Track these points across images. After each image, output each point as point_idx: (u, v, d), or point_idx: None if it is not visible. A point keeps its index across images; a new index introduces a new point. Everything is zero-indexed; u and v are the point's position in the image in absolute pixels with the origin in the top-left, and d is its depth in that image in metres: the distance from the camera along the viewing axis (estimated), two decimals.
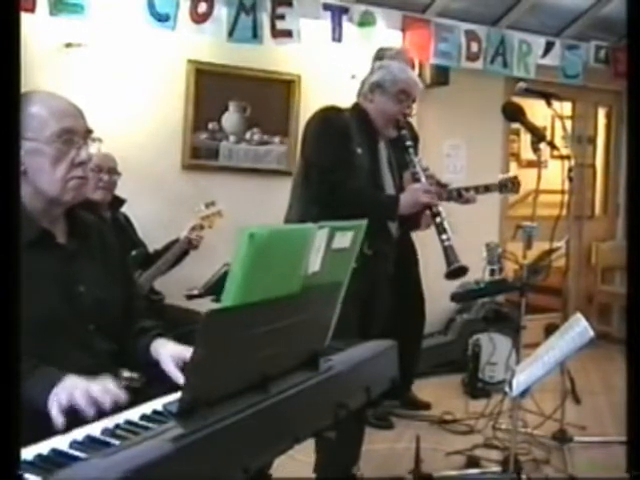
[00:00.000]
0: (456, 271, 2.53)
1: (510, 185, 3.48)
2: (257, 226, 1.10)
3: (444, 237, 2.55)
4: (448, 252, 2.55)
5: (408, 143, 2.69)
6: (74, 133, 1.58)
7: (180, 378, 1.52)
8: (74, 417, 1.30)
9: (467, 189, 3.72)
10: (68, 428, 1.28)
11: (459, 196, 3.73)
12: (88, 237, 1.70)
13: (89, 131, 1.63)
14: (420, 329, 3.93)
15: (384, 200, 2.63)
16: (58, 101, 1.61)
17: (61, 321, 1.55)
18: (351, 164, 2.54)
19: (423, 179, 2.64)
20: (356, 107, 2.72)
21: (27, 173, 1.54)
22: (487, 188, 3.84)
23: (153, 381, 1.61)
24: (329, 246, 1.32)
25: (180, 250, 3.46)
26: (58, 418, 1.29)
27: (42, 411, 1.31)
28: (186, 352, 1.52)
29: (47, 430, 1.26)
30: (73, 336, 1.57)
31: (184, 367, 1.52)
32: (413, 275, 3.82)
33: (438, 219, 2.58)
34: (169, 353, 1.59)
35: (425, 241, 3.50)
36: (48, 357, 1.46)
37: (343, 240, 1.37)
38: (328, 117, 2.63)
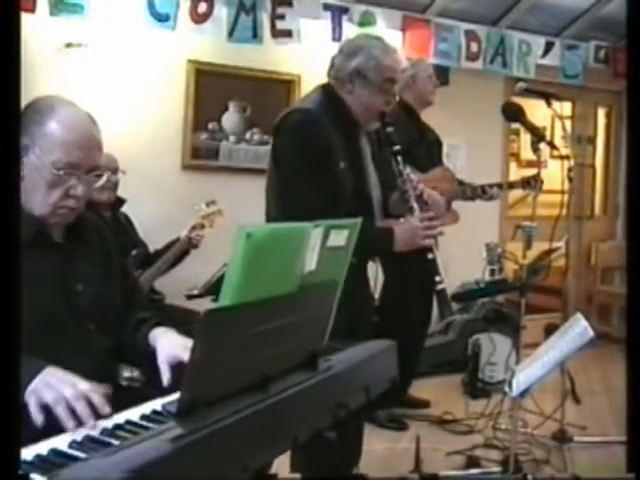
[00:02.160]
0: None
1: (533, 182, 3.42)
2: (254, 225, 1.10)
3: (437, 279, 2.26)
4: (441, 299, 2.28)
5: (396, 148, 2.31)
6: (78, 168, 1.55)
7: (166, 375, 1.50)
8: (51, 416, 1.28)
9: (491, 185, 3.72)
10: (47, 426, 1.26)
11: (483, 192, 3.71)
12: (87, 235, 1.69)
13: (97, 167, 1.60)
14: (423, 334, 3.92)
15: (379, 239, 2.27)
16: (76, 129, 1.55)
17: (60, 320, 1.54)
18: (337, 192, 2.20)
19: (415, 206, 2.29)
20: (330, 96, 2.29)
21: (24, 180, 1.53)
22: (511, 185, 3.85)
23: (153, 380, 1.61)
24: (324, 245, 1.33)
25: (180, 250, 3.46)
26: (37, 417, 1.26)
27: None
28: (183, 350, 1.50)
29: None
30: (72, 335, 1.56)
31: (177, 366, 1.51)
32: (427, 281, 3.77)
33: (431, 255, 2.26)
34: (166, 349, 1.56)
35: None
36: (46, 357, 1.45)
37: (338, 238, 1.37)
38: (307, 131, 2.20)
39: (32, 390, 1.30)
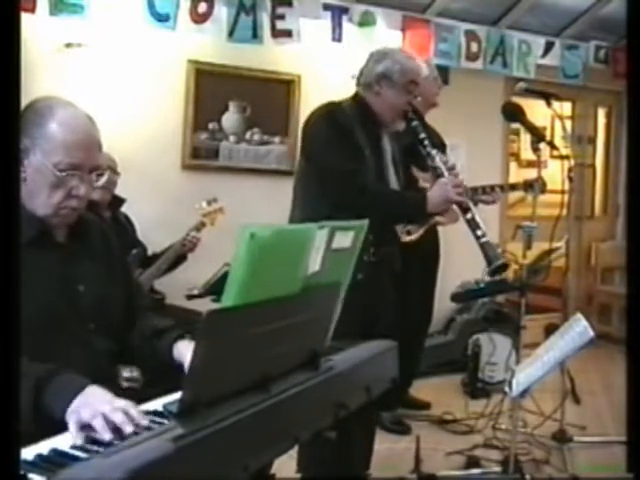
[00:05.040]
0: (498, 267, 2.39)
1: (536, 186, 3.32)
2: (257, 226, 1.10)
3: (479, 233, 2.38)
4: (487, 249, 2.38)
5: (422, 135, 2.52)
6: (80, 168, 1.56)
7: None
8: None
9: (492, 187, 3.67)
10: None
11: (484, 193, 3.64)
12: (89, 236, 1.70)
13: (98, 166, 1.61)
14: (423, 334, 3.91)
15: (412, 199, 2.48)
16: (76, 130, 1.56)
17: (60, 320, 1.54)
18: (365, 164, 2.42)
19: (446, 173, 2.47)
20: (357, 99, 2.54)
21: (26, 181, 1.54)
22: (513, 187, 3.80)
23: (154, 381, 1.61)
24: (329, 246, 1.33)
25: (177, 252, 3.46)
26: (77, 438, 1.24)
27: (58, 419, 1.29)
28: None
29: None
30: (73, 335, 1.56)
31: None
32: (429, 281, 3.74)
33: (469, 215, 2.41)
34: None
35: None
36: (48, 356, 1.45)
37: (344, 240, 1.37)
38: (333, 117, 2.45)
39: (72, 410, 1.30)
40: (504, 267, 2.42)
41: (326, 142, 2.43)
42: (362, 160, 2.42)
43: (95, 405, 1.29)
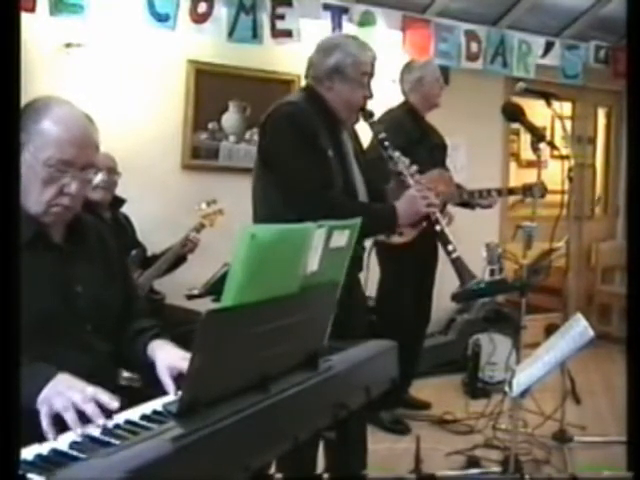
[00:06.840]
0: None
1: (537, 190, 3.26)
2: (258, 226, 1.10)
3: (450, 248, 2.25)
4: (459, 266, 2.24)
5: (382, 136, 2.34)
6: (72, 165, 1.55)
7: (171, 387, 1.50)
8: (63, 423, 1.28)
9: (489, 191, 3.65)
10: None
11: (481, 197, 3.61)
12: (86, 237, 1.70)
13: (91, 165, 1.60)
14: (421, 334, 3.91)
15: (381, 214, 2.30)
16: (70, 127, 1.55)
17: (58, 321, 1.54)
18: (329, 176, 2.23)
19: (412, 182, 2.30)
20: (312, 94, 2.33)
21: (21, 177, 1.53)
22: (511, 191, 3.78)
23: (153, 381, 1.61)
24: (327, 245, 1.33)
25: (177, 253, 3.46)
26: (48, 428, 1.26)
27: (30, 409, 1.30)
28: (181, 361, 1.51)
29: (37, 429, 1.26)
30: (70, 336, 1.56)
31: (178, 377, 1.51)
32: (427, 282, 3.75)
33: (438, 227, 2.27)
34: (164, 361, 1.56)
35: None
36: (45, 358, 1.45)
37: (340, 239, 1.38)
38: (294, 121, 2.23)
39: (43, 399, 1.31)
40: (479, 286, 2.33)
41: (288, 151, 2.23)
42: (327, 166, 2.24)
43: (66, 393, 1.31)
